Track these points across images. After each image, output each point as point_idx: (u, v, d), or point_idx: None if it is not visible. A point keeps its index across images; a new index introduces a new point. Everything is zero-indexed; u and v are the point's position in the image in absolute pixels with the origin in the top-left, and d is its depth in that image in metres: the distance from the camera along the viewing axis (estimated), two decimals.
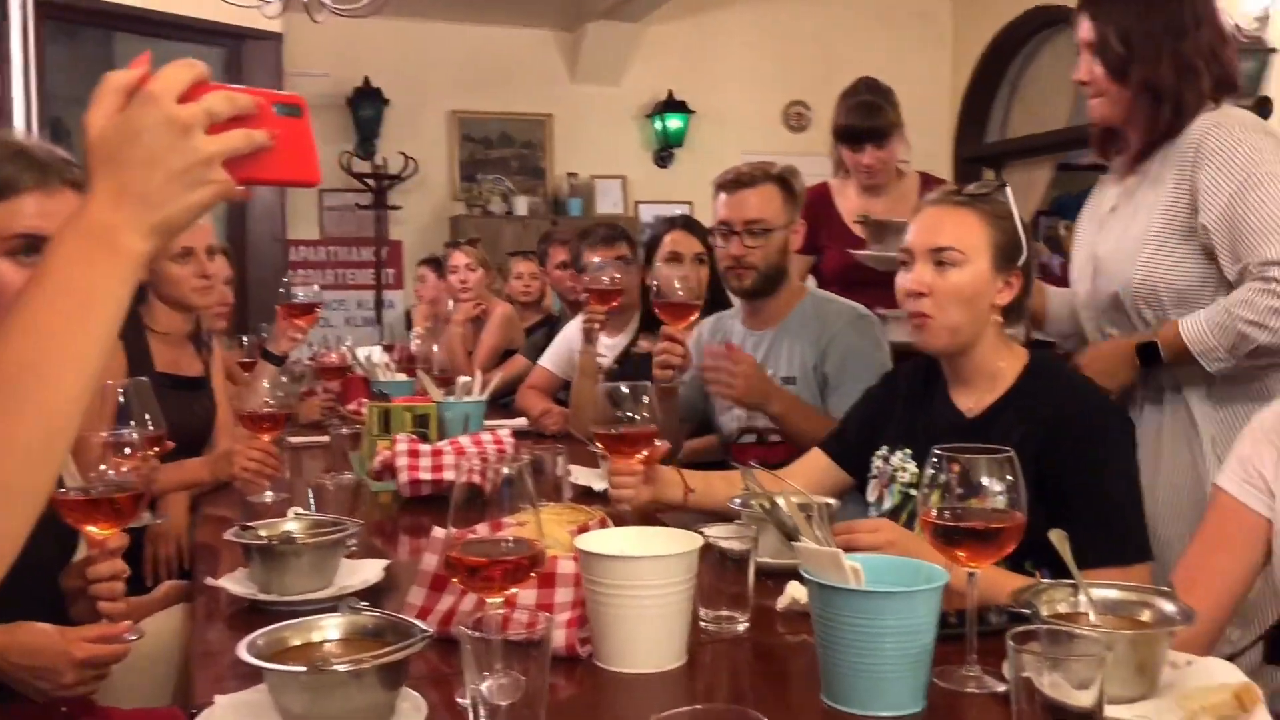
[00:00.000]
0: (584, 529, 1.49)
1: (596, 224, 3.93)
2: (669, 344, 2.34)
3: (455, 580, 1.30)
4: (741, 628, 1.45)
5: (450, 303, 4.85)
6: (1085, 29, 2.09)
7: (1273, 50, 5.04)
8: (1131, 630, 1.23)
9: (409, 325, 6.14)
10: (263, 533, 1.70)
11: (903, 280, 1.79)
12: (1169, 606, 1.26)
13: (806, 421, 2.34)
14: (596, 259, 3.29)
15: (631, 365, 3.08)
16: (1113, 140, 2.17)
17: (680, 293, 2.27)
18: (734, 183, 2.50)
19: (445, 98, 7.28)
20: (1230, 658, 1.53)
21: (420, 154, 7.17)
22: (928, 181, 3.15)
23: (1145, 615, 1.27)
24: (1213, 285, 1.98)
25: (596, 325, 2.99)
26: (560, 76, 7.52)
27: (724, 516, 1.76)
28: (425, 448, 2.38)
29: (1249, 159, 1.91)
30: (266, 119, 0.90)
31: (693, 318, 2.33)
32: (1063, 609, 1.29)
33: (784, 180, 2.50)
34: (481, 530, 1.23)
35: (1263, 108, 5.08)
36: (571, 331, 3.51)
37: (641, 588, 1.30)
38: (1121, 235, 2.06)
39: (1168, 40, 2.00)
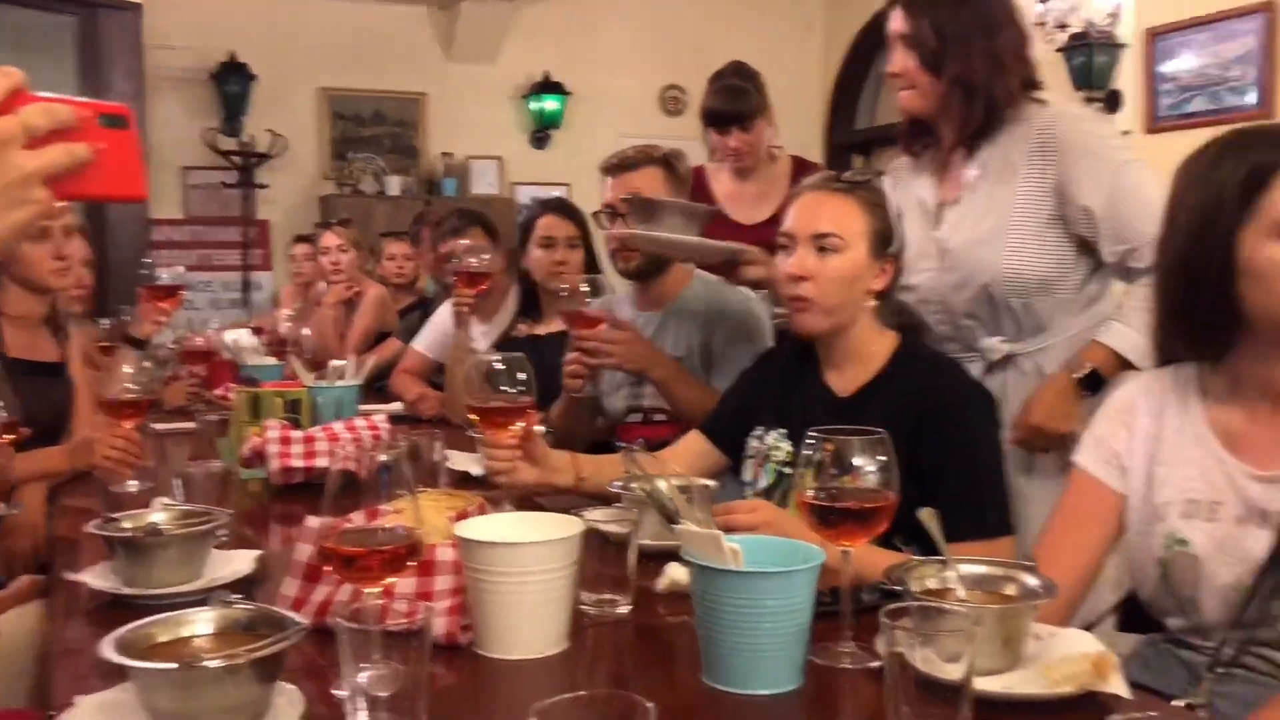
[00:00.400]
0: (463, 515, 1.47)
1: (450, 212, 3.90)
2: (579, 354, 2.31)
3: (330, 570, 1.28)
4: (623, 610, 1.46)
5: (322, 284, 4.74)
6: (898, 21, 2.12)
7: (1123, 45, 5.26)
8: (998, 605, 1.27)
9: (276, 307, 5.99)
10: (127, 524, 1.63)
11: (783, 264, 1.82)
12: (1032, 581, 1.31)
13: (690, 389, 2.36)
14: (462, 244, 3.26)
15: (512, 350, 3.06)
16: (919, 135, 2.23)
17: (590, 303, 2.25)
18: (618, 166, 2.50)
19: (315, 74, 7.08)
20: (1087, 627, 1.61)
21: (289, 131, 6.97)
22: (801, 166, 3.20)
23: (1010, 590, 1.31)
24: (1068, 269, 2.08)
25: (466, 309, 2.96)
26: (435, 55, 7.39)
27: (610, 500, 1.77)
28: (297, 434, 2.32)
29: (1115, 148, 2.04)
30: (89, 131, 0.85)
31: (604, 326, 2.30)
32: (932, 585, 1.32)
33: (668, 162, 2.51)
34: (357, 518, 1.21)
35: (1113, 99, 5.31)
36: (446, 313, 3.47)
37: (523, 574, 1.29)
38: (974, 227, 2.11)
39: (979, 35, 2.05)
